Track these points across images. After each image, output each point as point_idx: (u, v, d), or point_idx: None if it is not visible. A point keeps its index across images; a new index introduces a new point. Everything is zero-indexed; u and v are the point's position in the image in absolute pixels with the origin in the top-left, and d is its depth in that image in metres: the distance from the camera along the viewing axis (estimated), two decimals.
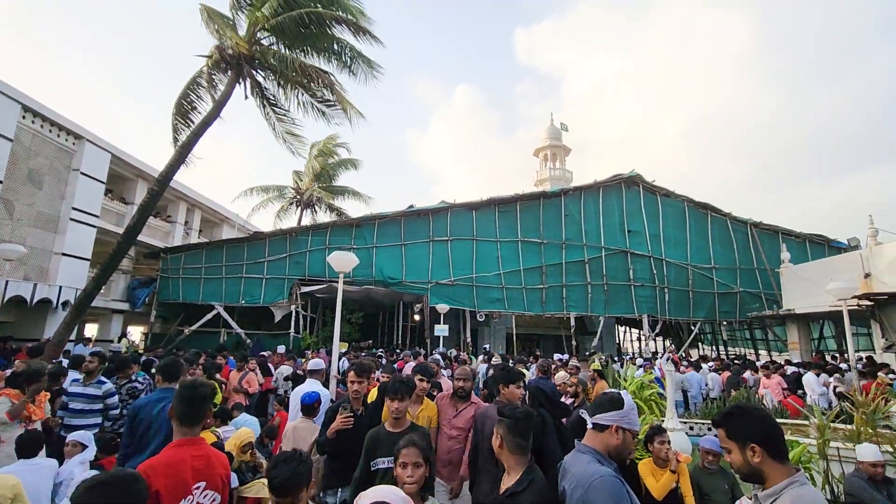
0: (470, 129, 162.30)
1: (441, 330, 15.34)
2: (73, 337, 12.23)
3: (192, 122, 12.17)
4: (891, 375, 9.41)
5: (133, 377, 5.50)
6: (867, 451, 3.92)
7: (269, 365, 9.67)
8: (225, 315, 17.07)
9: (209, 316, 17.05)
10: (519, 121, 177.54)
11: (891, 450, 4.77)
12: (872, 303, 11.66)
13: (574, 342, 18.82)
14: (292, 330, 16.77)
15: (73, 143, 14.96)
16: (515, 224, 19.09)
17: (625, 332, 28.90)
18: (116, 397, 5.28)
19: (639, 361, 13.72)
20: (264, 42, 11.87)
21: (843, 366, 11.81)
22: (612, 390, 2.09)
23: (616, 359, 16.35)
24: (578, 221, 19.54)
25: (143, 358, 9.41)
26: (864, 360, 13.66)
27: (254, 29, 11.54)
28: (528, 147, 39.21)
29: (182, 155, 11.19)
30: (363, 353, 12.74)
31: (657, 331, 20.91)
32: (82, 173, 14.97)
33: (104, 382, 5.25)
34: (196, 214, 22.70)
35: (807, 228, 21.06)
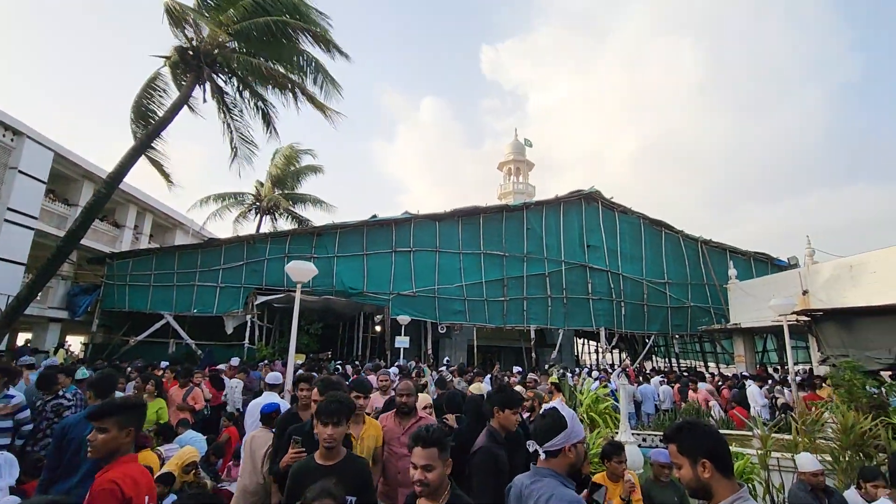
0: (436, 140, 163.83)
1: (402, 342, 15.17)
2: (2, 347, 11.34)
3: (151, 124, 11.60)
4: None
5: (61, 392, 5.07)
6: (807, 461, 4.07)
7: (223, 378, 9.23)
8: (174, 325, 16.27)
9: (157, 325, 16.21)
10: (485, 134, 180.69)
11: (828, 459, 5.03)
12: (809, 318, 12.35)
13: (534, 354, 19.03)
14: (247, 341, 16.17)
15: (12, 140, 14.01)
16: (478, 236, 19.24)
17: (583, 344, 29.49)
18: (28, 412, 4.85)
19: (595, 374, 14.03)
20: (228, 46, 11.51)
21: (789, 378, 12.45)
22: (550, 407, 2.02)
23: (575, 371, 16.63)
24: (540, 235, 19.91)
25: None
26: (806, 372, 14.46)
27: (217, 32, 11.19)
28: (495, 161, 39.91)
29: (134, 156, 10.68)
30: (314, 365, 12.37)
31: (613, 343, 21.46)
32: (21, 171, 14.02)
33: (12, 396, 4.82)
34: (147, 219, 21.68)
35: (751, 247, 22.20)
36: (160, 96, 11.88)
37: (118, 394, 5.20)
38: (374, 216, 18.66)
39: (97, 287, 16.43)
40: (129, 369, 9.14)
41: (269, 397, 5.12)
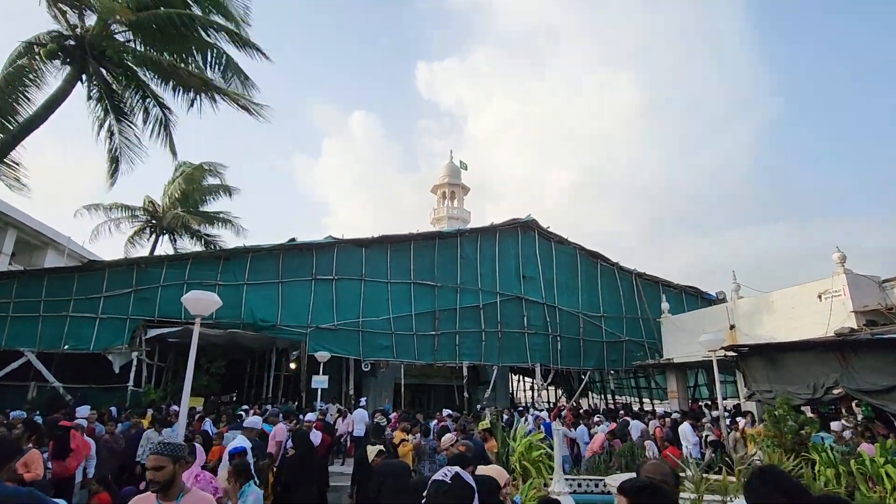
0: (367, 159, 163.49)
1: (319, 381, 14.46)
2: None
3: (14, 122, 10.35)
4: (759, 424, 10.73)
5: None
6: None
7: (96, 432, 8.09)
8: (37, 364, 14.49)
9: (15, 365, 14.35)
10: (421, 156, 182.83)
11: None
12: (736, 354, 13.38)
13: (466, 393, 18.94)
14: (131, 382, 14.72)
15: None
16: (409, 265, 19.11)
17: (518, 381, 29.93)
18: None
19: (533, 413, 14.34)
20: (120, 38, 10.70)
21: (714, 413, 13.34)
22: (452, 475, 1.80)
23: (508, 410, 16.72)
24: (474, 264, 20.13)
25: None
26: (734, 408, 15.54)
27: (107, 21, 10.32)
28: (429, 184, 40.34)
29: None
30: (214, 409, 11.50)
31: (549, 380, 21.94)
32: None
33: None
34: (9, 235, 19.41)
35: (681, 279, 23.98)
36: (26, 89, 10.50)
37: None
38: (293, 239, 18.02)
39: None
40: None
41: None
